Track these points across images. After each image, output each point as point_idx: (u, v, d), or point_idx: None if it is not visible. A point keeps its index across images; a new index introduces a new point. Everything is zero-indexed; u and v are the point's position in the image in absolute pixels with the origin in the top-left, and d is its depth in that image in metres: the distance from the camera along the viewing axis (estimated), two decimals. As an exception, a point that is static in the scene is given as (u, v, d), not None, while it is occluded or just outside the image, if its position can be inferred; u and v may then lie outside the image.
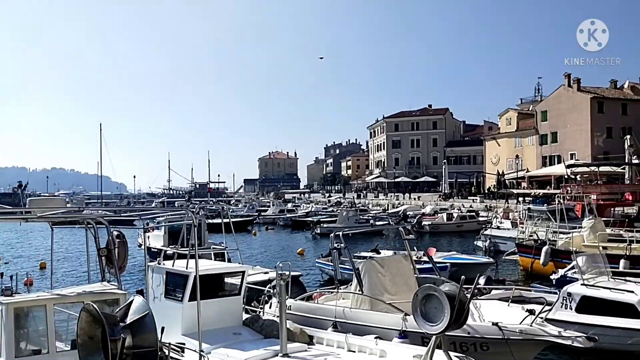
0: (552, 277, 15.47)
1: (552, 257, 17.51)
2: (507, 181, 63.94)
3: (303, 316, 10.20)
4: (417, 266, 17.22)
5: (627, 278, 14.17)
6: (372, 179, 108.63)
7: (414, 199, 66.37)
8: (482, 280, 12.86)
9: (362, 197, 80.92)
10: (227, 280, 10.04)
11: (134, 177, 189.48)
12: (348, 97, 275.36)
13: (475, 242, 27.86)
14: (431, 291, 5.98)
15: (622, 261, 15.47)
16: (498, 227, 28.35)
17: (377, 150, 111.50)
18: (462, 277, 6.50)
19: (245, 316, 9.84)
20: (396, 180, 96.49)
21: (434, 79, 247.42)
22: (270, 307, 10.57)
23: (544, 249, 17.44)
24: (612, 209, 28.21)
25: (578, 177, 35.93)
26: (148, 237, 22.12)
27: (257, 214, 54.83)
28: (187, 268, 9.21)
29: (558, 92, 63.09)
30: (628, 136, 40.03)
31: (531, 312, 8.54)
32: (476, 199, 55.26)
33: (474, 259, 18.66)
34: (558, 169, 47.58)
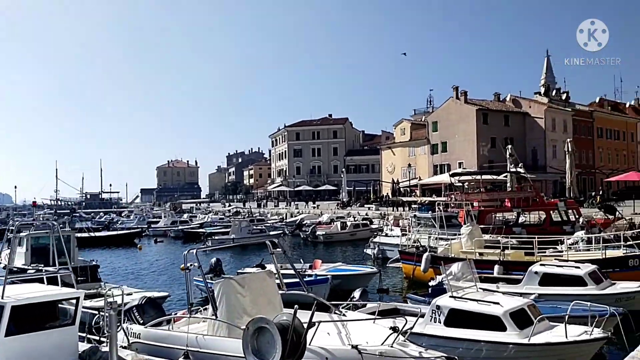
0: (430, 284, 15.42)
1: (432, 263, 17.58)
2: (401, 189, 65.98)
3: (153, 345, 9.04)
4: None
5: (501, 286, 14.39)
6: (274, 187, 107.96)
7: (314, 207, 66.39)
8: (357, 294, 12.37)
9: (262, 206, 79.83)
10: (63, 306, 8.68)
11: (15, 187, 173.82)
12: (251, 105, 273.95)
13: (364, 250, 27.82)
14: (262, 323, 5.16)
15: (496, 267, 15.78)
16: (386, 235, 28.54)
17: (279, 159, 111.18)
18: (296, 306, 5.71)
19: (84, 348, 8.53)
20: (298, 189, 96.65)
21: (334, 88, 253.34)
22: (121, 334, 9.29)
23: (425, 255, 17.49)
24: (493, 215, 29.44)
25: (466, 184, 37.49)
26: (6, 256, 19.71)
27: (147, 225, 51.93)
28: (2, 297, 7.77)
29: (447, 103, 66.11)
30: (509, 146, 42.67)
31: (395, 329, 7.97)
32: (372, 207, 56.14)
33: (358, 269, 18.35)
34: (445, 178, 49.52)
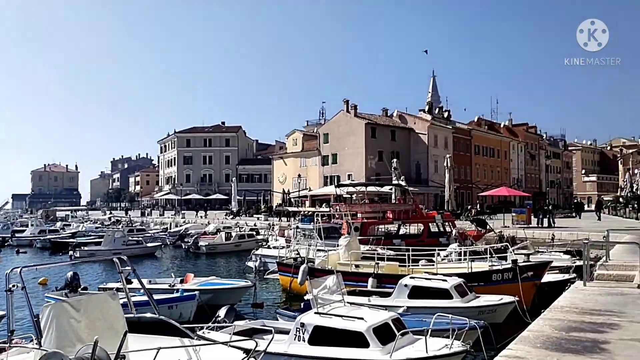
0: (305, 297, 14.95)
1: (309, 275, 17.16)
2: (292, 199, 65.98)
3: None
4: (169, 295, 15.53)
5: (373, 299, 14.24)
6: (161, 195, 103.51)
7: (201, 217, 64.27)
8: (222, 312, 11.55)
9: (146, 215, 75.96)
10: None
11: None
12: (139, 108, 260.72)
13: (246, 263, 26.96)
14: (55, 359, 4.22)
15: (370, 279, 15.70)
16: (269, 247, 27.93)
17: (168, 166, 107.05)
18: (96, 337, 4.80)
19: None
20: (187, 197, 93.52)
21: (228, 96, 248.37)
22: None
23: (302, 267, 17.05)
24: (376, 227, 29.91)
25: (354, 196, 38.23)
26: None
27: (10, 234, 47.01)
28: None
29: (338, 116, 67.32)
30: (394, 160, 44.27)
31: (247, 351, 7.29)
32: (261, 217, 55.39)
33: (231, 283, 17.51)
34: (331, 189, 50.15)
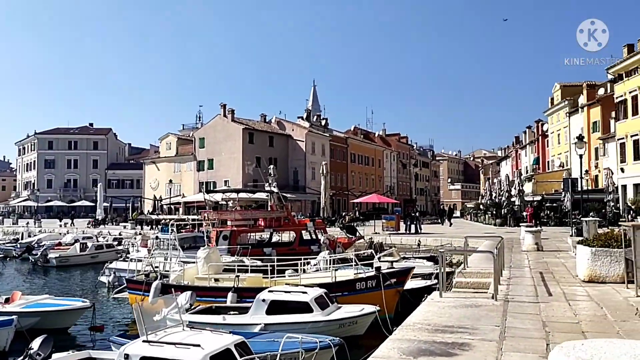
0: (154, 318, 13.23)
1: (162, 292, 15.44)
2: (164, 206, 62.49)
3: None
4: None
5: (229, 317, 12.92)
6: (18, 202, 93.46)
7: (61, 225, 58.51)
8: (36, 344, 9.58)
9: (-4, 223, 67.80)
10: None
11: None
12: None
13: (99, 278, 24.25)
14: None
15: (229, 294, 14.39)
16: (128, 259, 25.40)
17: (27, 170, 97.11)
18: None
19: None
20: (48, 204, 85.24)
21: (97, 95, 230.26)
22: None
23: (154, 284, 15.27)
24: (247, 235, 28.65)
25: (230, 203, 36.67)
26: None
27: None
28: None
29: (215, 120, 65.23)
30: (271, 166, 43.37)
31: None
32: (127, 226, 51.55)
33: (65, 304, 15.20)
34: (201, 196, 48.10)
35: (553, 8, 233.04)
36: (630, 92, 40.40)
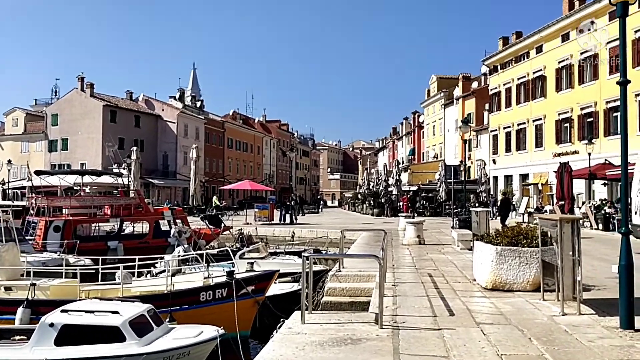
0: None
1: None
2: (9, 191, 53.92)
3: None
4: None
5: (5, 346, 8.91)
6: None
7: None
8: None
9: None
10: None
11: None
12: None
13: None
14: None
15: (19, 310, 10.10)
16: None
17: None
18: None
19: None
20: None
21: None
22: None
23: None
24: (89, 225, 23.99)
25: (87, 189, 31.37)
26: None
27: None
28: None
29: (71, 95, 57.61)
30: (134, 148, 38.15)
31: None
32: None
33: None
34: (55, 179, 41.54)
35: (434, 2, 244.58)
36: (504, 84, 40.97)
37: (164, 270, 14.25)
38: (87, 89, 56.00)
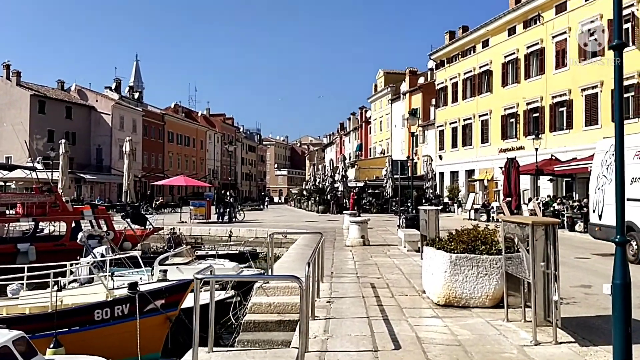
0: None
1: None
2: None
3: None
4: None
5: None
6: None
7: None
8: None
9: None
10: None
11: None
12: None
13: None
14: None
15: None
16: None
17: None
18: None
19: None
20: None
21: None
22: None
23: None
24: (1, 226, 21.39)
25: (13, 184, 28.56)
26: None
27: None
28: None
29: (-5, 82, 53.12)
30: (63, 140, 35.09)
31: None
32: None
33: None
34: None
35: None
36: (450, 79, 40.37)
37: (75, 280, 12.28)
38: (13, 77, 51.77)
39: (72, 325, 8.65)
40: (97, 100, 57.87)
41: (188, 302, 10.24)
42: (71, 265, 11.49)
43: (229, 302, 11.10)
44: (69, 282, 11.98)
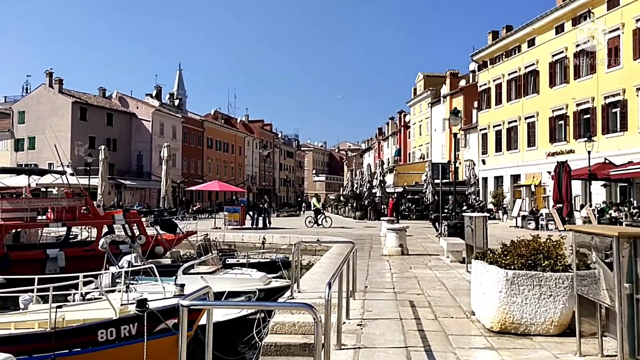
0: None
1: None
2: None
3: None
4: None
5: None
6: None
7: None
8: None
9: None
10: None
11: None
12: None
13: None
14: None
15: None
16: None
17: None
18: None
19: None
20: None
21: None
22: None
23: None
24: (30, 231, 21.17)
25: (55, 190, 28.77)
26: None
27: None
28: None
29: (38, 91, 54.47)
30: (102, 146, 35.25)
31: None
32: None
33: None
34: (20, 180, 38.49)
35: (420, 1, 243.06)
36: (494, 80, 38.65)
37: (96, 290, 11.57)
38: (55, 85, 52.89)
39: (73, 346, 7.82)
40: (137, 107, 58.53)
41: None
42: (116, 272, 10.80)
43: (252, 318, 10.14)
44: (86, 294, 11.26)
